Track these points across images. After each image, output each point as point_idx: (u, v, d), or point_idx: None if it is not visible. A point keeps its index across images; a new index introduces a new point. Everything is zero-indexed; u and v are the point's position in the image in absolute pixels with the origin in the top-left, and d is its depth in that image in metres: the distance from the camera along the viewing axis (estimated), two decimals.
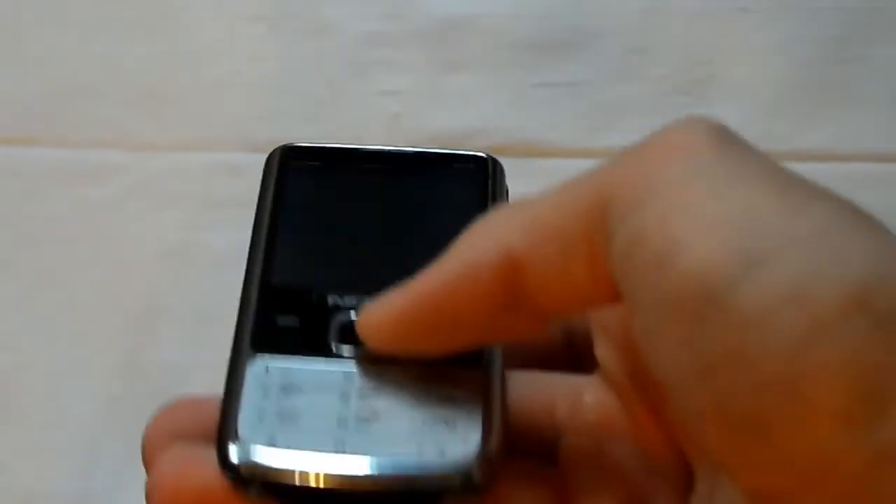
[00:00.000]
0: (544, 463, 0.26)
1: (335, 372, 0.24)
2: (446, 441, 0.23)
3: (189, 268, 0.58)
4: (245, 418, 0.23)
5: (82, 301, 0.57)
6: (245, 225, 0.57)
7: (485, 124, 0.59)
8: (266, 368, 0.24)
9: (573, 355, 0.27)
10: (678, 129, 0.21)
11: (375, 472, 0.22)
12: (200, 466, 0.23)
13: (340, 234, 0.27)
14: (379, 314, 0.24)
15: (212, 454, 0.23)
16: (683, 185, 0.20)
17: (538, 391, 0.27)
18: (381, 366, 0.24)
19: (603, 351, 0.26)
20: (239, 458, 0.22)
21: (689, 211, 0.19)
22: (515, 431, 0.25)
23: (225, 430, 0.23)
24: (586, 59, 0.60)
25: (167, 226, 0.58)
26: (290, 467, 0.22)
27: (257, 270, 0.26)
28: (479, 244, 0.23)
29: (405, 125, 0.59)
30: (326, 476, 0.22)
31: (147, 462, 0.24)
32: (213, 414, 0.24)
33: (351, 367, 0.24)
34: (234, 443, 0.23)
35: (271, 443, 0.22)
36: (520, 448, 0.25)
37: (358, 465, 0.22)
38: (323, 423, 0.23)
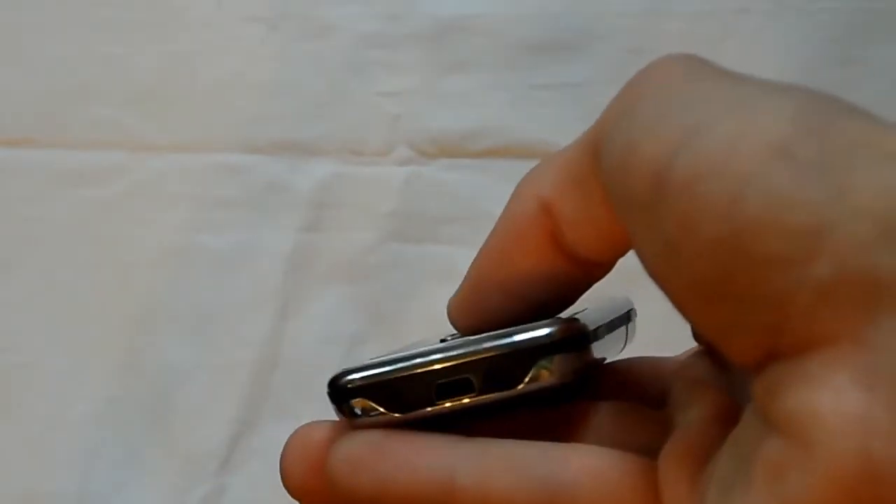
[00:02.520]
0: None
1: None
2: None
3: (189, 268, 0.58)
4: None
5: (82, 301, 0.57)
6: (245, 225, 0.58)
7: (484, 125, 0.59)
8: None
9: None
10: (655, 61, 0.22)
11: (471, 347, 0.24)
12: (322, 425, 0.25)
13: None
14: (457, 294, 0.26)
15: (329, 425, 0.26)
16: (651, 101, 0.21)
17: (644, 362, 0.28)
18: None
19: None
20: (348, 379, 0.25)
21: (647, 114, 0.20)
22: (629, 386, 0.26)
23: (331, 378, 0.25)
24: (586, 60, 0.60)
25: (167, 226, 0.58)
26: (396, 366, 0.25)
27: None
28: (518, 197, 0.25)
29: (405, 126, 0.59)
30: (429, 361, 0.24)
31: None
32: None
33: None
34: (341, 375, 0.25)
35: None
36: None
37: (453, 347, 0.24)
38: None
